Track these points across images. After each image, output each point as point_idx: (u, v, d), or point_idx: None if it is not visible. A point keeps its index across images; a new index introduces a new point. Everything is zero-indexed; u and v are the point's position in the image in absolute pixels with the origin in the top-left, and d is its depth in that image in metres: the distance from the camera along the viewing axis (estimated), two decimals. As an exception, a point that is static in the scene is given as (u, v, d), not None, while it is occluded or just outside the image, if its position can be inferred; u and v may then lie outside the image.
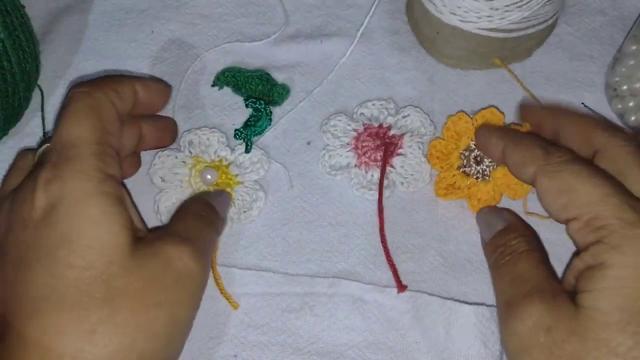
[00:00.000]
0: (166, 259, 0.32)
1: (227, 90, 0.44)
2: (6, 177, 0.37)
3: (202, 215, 0.36)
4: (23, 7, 0.43)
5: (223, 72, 0.44)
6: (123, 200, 0.32)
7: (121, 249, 0.30)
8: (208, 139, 0.42)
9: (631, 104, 0.42)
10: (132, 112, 0.37)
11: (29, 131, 0.43)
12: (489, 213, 0.38)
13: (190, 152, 0.41)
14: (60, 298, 0.29)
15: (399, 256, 0.39)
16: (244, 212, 0.40)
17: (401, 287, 0.37)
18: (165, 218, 0.40)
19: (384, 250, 0.38)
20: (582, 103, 0.43)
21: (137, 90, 0.37)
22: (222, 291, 0.38)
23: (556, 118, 0.37)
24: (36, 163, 0.35)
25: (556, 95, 0.43)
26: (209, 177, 0.40)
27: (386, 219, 0.40)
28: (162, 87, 0.41)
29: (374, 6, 0.45)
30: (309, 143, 0.43)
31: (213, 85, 0.44)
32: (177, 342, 0.33)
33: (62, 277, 0.29)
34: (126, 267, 0.30)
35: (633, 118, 0.42)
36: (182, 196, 0.40)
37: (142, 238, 0.32)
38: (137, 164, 0.41)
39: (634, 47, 0.41)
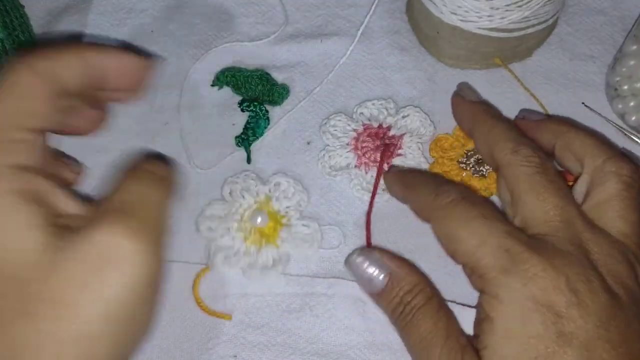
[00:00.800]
0: (94, 246, 0.26)
1: (227, 90, 0.44)
2: None
3: (148, 174, 0.30)
4: (22, 7, 0.43)
5: (223, 71, 0.44)
6: (34, 192, 0.27)
7: (31, 252, 0.26)
8: (244, 181, 0.41)
9: (632, 103, 0.42)
10: (99, 87, 0.32)
11: (28, 131, 0.43)
12: (361, 263, 0.35)
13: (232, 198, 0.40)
14: None
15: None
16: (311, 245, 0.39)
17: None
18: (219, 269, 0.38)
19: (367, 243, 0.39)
20: (583, 103, 0.43)
21: (95, 62, 0.31)
22: (208, 313, 0.37)
23: (471, 127, 0.37)
24: None
25: (556, 95, 0.43)
26: (259, 219, 0.39)
27: (386, 220, 0.40)
28: (132, 61, 0.33)
29: (374, 5, 0.45)
30: (309, 143, 0.43)
31: (213, 85, 0.44)
32: (124, 341, 0.27)
33: None
34: (41, 269, 0.25)
35: (634, 118, 0.42)
36: (234, 244, 0.39)
37: (70, 228, 0.27)
38: (101, 117, 0.36)
39: (634, 47, 0.41)
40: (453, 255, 0.32)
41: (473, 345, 0.31)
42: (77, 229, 0.27)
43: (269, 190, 0.40)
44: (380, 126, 0.42)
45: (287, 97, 0.44)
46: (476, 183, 0.40)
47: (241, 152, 0.42)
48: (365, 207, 0.40)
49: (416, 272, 0.35)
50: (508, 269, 0.29)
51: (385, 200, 0.40)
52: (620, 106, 0.42)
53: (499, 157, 0.34)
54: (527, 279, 0.29)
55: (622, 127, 0.42)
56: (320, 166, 0.41)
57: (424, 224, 0.39)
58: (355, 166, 0.41)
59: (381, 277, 0.34)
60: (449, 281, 0.38)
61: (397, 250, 0.39)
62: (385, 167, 0.41)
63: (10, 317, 0.25)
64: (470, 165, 0.40)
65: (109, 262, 0.26)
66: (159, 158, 0.32)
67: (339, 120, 0.42)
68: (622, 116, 0.42)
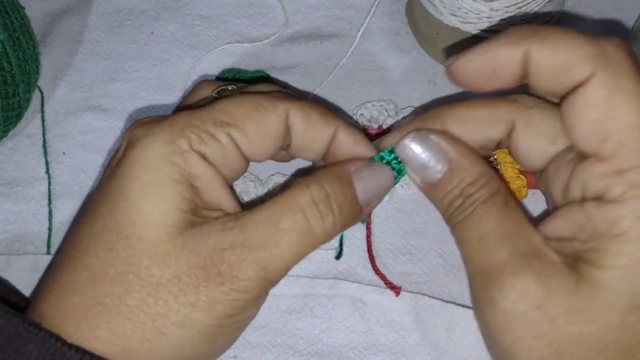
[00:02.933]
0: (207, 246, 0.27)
1: (227, 91, 0.44)
2: (183, 101, 0.35)
3: (314, 203, 0.28)
4: (23, 8, 0.43)
5: (223, 73, 0.44)
6: (200, 180, 0.28)
7: (162, 231, 0.27)
8: (243, 183, 0.41)
9: (631, 105, 0.42)
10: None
11: (28, 132, 0.43)
12: (415, 147, 0.30)
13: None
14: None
15: (399, 257, 0.39)
16: None
17: (395, 289, 0.37)
18: None
19: (370, 259, 0.38)
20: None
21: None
22: None
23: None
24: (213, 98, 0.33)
25: (556, 96, 0.43)
26: None
27: (386, 220, 0.40)
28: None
29: (373, 7, 0.45)
30: (309, 144, 0.43)
31: (213, 87, 0.44)
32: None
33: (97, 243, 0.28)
34: (158, 250, 0.27)
35: (633, 119, 0.42)
36: None
37: (206, 223, 0.28)
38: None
39: (634, 48, 0.41)
40: (603, 139, 0.24)
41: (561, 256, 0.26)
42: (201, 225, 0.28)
43: (268, 191, 0.40)
44: (380, 127, 0.42)
45: (287, 99, 0.44)
46: None
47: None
48: (366, 208, 0.40)
49: (482, 163, 0.29)
50: None
51: (385, 200, 0.40)
52: (619, 107, 0.42)
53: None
54: None
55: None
56: (320, 167, 0.41)
57: (424, 225, 0.40)
58: (356, 167, 0.41)
59: (439, 166, 0.29)
60: (449, 281, 0.38)
61: (397, 251, 0.39)
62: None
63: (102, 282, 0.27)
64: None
65: (217, 276, 0.27)
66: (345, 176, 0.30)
67: (339, 121, 0.42)
68: (621, 117, 0.42)
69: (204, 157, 0.29)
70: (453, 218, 0.29)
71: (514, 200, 0.28)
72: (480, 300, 0.27)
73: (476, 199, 0.28)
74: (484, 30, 0.40)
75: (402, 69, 0.45)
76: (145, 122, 0.30)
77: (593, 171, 0.25)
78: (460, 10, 0.40)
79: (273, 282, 0.29)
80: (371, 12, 0.45)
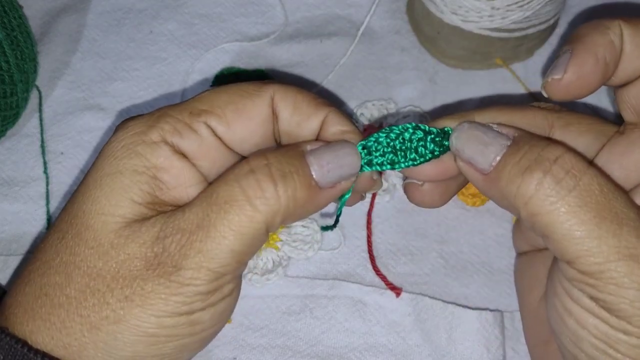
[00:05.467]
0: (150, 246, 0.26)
1: (226, 90, 0.44)
2: None
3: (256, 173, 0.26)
4: (21, 7, 0.43)
5: (222, 72, 0.44)
6: (162, 171, 0.27)
7: (107, 222, 0.26)
8: None
9: (633, 104, 0.41)
10: None
11: (27, 132, 0.43)
12: (477, 125, 0.28)
13: None
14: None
15: (399, 258, 0.38)
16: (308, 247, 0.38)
17: (396, 290, 0.37)
18: None
19: (370, 259, 0.38)
20: (584, 104, 0.43)
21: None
22: None
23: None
24: None
25: (558, 95, 0.43)
26: None
27: (387, 221, 0.39)
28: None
29: (374, 6, 0.45)
30: (309, 144, 0.42)
31: (212, 86, 0.44)
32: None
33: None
34: (101, 241, 0.26)
35: (635, 118, 0.41)
36: None
37: (155, 217, 0.27)
38: None
39: (636, 47, 0.41)
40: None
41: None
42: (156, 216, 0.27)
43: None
44: (380, 126, 0.42)
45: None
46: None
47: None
48: (366, 208, 0.40)
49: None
50: None
51: (385, 201, 0.40)
52: (622, 107, 0.42)
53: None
54: None
55: (623, 128, 0.42)
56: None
57: (425, 226, 0.39)
58: (356, 167, 0.41)
59: (503, 141, 0.27)
60: (450, 282, 0.38)
61: (397, 251, 0.39)
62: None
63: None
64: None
65: (155, 270, 0.26)
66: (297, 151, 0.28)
67: (339, 120, 0.42)
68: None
69: (176, 150, 0.27)
70: (542, 199, 0.25)
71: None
72: (598, 288, 0.25)
73: (570, 167, 0.25)
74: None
75: (403, 67, 0.44)
76: (132, 117, 0.29)
77: None
78: (461, 9, 0.40)
79: (221, 274, 0.26)
80: (372, 11, 0.45)
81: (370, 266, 0.38)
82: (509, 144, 0.26)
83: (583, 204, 0.24)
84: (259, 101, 0.28)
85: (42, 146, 0.42)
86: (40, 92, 0.44)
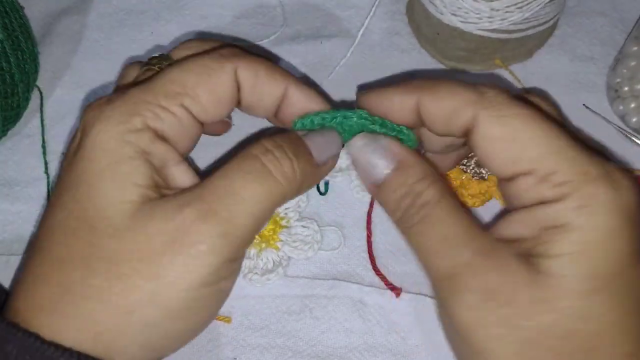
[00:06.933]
0: (170, 223, 0.26)
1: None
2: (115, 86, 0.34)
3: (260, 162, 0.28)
4: (22, 8, 0.43)
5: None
6: (155, 156, 0.28)
7: (120, 209, 0.27)
8: None
9: (633, 105, 0.41)
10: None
11: (28, 132, 0.43)
12: (364, 147, 0.30)
13: None
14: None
15: (399, 258, 0.38)
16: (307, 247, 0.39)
17: (396, 290, 0.37)
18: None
19: (370, 259, 0.38)
20: (583, 104, 0.43)
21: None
22: None
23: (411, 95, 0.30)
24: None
25: (557, 96, 0.43)
26: None
27: (387, 221, 0.39)
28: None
29: (374, 7, 0.45)
30: (309, 144, 0.43)
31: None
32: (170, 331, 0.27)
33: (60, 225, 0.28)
34: (118, 227, 0.27)
35: (635, 119, 0.41)
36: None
37: (166, 197, 0.28)
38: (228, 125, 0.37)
39: (635, 48, 0.41)
40: (516, 160, 0.27)
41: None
42: (165, 200, 0.28)
43: None
44: (380, 127, 0.42)
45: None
46: (475, 186, 0.39)
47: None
48: (366, 209, 0.40)
49: (429, 165, 0.30)
50: (597, 178, 0.26)
51: (385, 201, 0.40)
52: (621, 107, 0.42)
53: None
54: (620, 189, 0.26)
55: (622, 129, 0.42)
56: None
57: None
58: (356, 167, 0.41)
59: (386, 164, 0.30)
60: (450, 283, 0.38)
61: (397, 251, 0.39)
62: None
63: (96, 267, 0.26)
64: (471, 168, 0.40)
65: (180, 243, 0.26)
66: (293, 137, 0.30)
67: (339, 121, 0.42)
68: (622, 118, 0.42)
69: (158, 134, 0.28)
70: (406, 221, 0.29)
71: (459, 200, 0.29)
72: (448, 302, 0.27)
73: (427, 200, 0.28)
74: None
75: (403, 69, 0.45)
76: (97, 104, 0.29)
77: (521, 187, 0.27)
78: (460, 10, 0.40)
79: (242, 239, 0.27)
80: (371, 12, 0.45)
81: (370, 266, 0.38)
82: (392, 168, 0.30)
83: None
84: (225, 77, 0.30)
85: (43, 146, 0.43)
86: (41, 93, 0.44)
